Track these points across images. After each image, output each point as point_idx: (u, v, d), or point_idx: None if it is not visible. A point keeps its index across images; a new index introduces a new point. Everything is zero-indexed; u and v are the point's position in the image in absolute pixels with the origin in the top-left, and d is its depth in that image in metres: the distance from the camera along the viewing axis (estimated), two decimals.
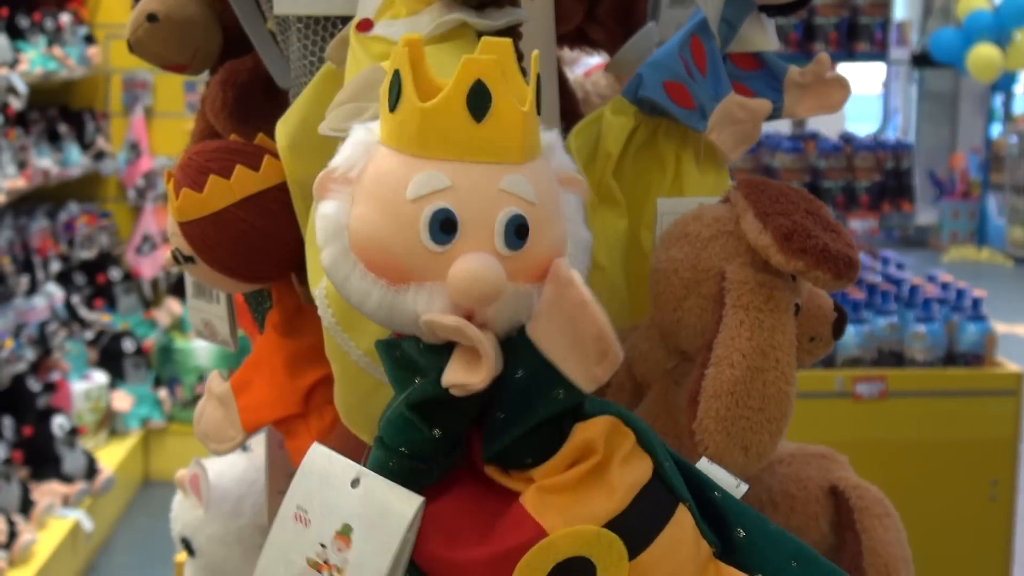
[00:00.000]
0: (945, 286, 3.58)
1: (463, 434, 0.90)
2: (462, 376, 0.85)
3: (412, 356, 0.89)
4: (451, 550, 0.89)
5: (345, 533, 0.88)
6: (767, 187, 1.08)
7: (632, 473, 0.91)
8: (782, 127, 4.70)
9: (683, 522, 0.92)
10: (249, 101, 1.29)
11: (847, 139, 4.56)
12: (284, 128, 1.13)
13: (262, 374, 1.19)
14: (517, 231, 0.86)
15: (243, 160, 1.14)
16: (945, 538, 3.18)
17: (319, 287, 1.01)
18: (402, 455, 0.89)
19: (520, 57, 1.12)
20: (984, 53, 7.88)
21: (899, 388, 3.33)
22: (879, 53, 4.53)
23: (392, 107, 0.86)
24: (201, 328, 1.37)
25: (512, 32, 1.11)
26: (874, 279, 3.54)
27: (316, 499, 0.90)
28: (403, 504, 0.88)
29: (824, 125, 5.19)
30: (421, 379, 0.88)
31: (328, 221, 0.87)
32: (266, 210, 1.13)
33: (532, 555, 0.86)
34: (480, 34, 1.06)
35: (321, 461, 0.91)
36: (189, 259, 1.15)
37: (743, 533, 0.96)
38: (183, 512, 1.39)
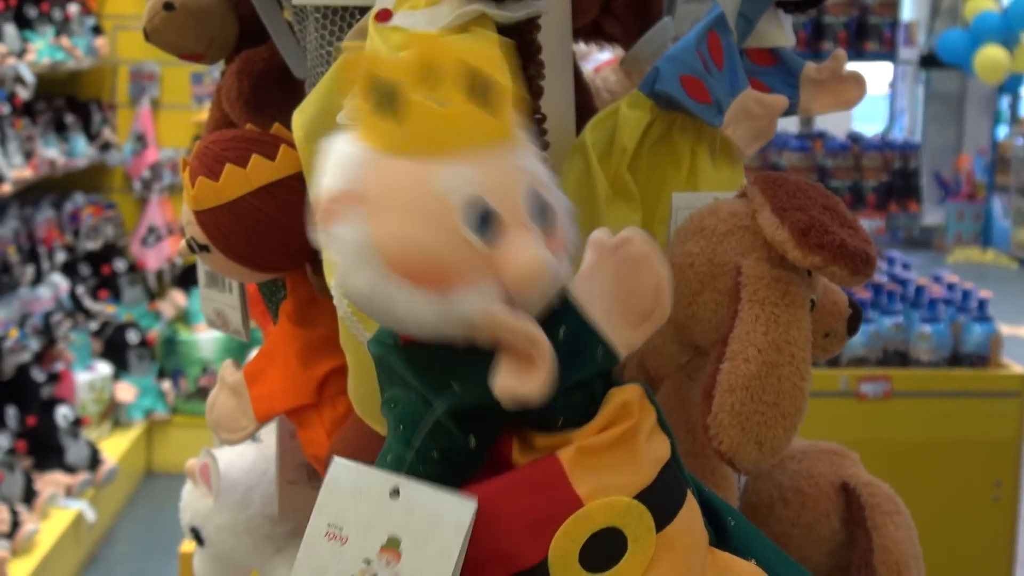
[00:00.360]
0: (951, 287, 3.58)
1: (494, 443, 0.90)
2: (516, 386, 0.84)
3: (444, 360, 0.87)
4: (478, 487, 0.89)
5: (393, 546, 0.86)
6: (784, 182, 1.08)
7: (657, 449, 0.92)
8: (790, 126, 4.70)
9: (693, 504, 0.95)
10: (265, 91, 1.29)
11: (855, 138, 4.56)
12: (301, 118, 1.12)
13: (275, 364, 1.19)
14: (539, 205, 0.86)
15: (259, 149, 1.14)
16: (949, 539, 3.18)
17: (335, 277, 1.01)
18: (432, 460, 0.88)
19: (538, 50, 1.13)
20: (991, 55, 7.87)
21: (904, 388, 3.33)
22: (888, 53, 4.53)
23: (389, 116, 0.85)
24: (213, 318, 1.37)
25: (530, 24, 1.11)
26: (880, 279, 3.54)
27: (351, 514, 0.87)
28: (457, 510, 0.86)
29: (831, 124, 5.18)
30: (460, 384, 0.87)
31: (353, 245, 0.84)
32: (282, 200, 1.13)
33: (570, 524, 0.87)
34: (499, 26, 1.07)
35: (348, 475, 0.88)
36: (204, 248, 1.15)
37: (733, 522, 0.99)
38: (192, 501, 1.38)
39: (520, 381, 0.84)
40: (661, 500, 0.91)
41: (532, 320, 0.85)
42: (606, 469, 0.89)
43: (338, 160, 0.87)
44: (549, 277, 0.84)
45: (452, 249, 0.83)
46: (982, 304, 3.42)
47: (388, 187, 0.84)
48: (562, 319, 0.89)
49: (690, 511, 0.93)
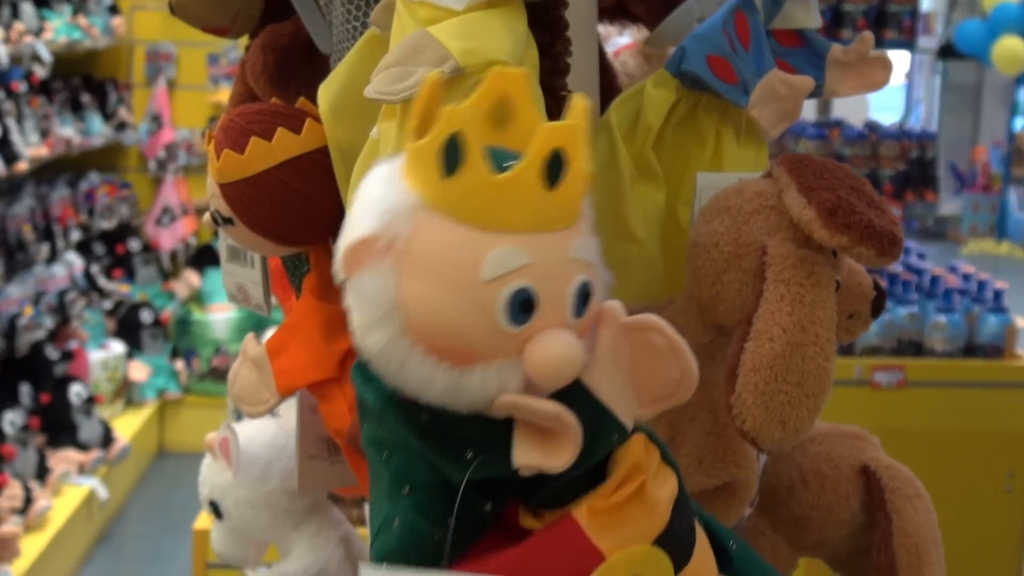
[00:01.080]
0: (967, 277, 3.57)
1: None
2: (539, 459, 0.81)
3: (452, 427, 0.83)
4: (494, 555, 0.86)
5: None
6: (811, 162, 1.08)
7: (665, 488, 0.90)
8: (807, 114, 4.69)
9: (703, 537, 0.93)
10: (290, 65, 1.29)
11: (872, 127, 4.54)
12: (326, 92, 1.12)
13: (298, 337, 1.19)
14: (585, 299, 0.82)
15: (285, 123, 1.13)
16: (960, 529, 3.17)
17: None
18: (448, 526, 0.84)
19: (565, 26, 1.12)
20: (1009, 46, 7.81)
21: (918, 378, 3.32)
22: (907, 42, 4.51)
23: (448, 171, 0.78)
24: (234, 292, 1.37)
25: (556, 2, 1.11)
26: (895, 268, 3.52)
27: None
28: None
29: (848, 113, 5.17)
30: (475, 453, 0.83)
31: (374, 301, 0.79)
32: (307, 173, 1.13)
33: None
34: (527, 2, 1.06)
35: None
36: (228, 221, 1.15)
37: (735, 546, 0.98)
38: (212, 475, 1.38)
39: (545, 456, 0.81)
40: (678, 540, 0.89)
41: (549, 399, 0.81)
42: (622, 521, 0.87)
43: (375, 200, 0.80)
44: (571, 372, 0.80)
45: (483, 334, 0.78)
46: (998, 295, 3.41)
47: (430, 249, 0.78)
48: (576, 404, 0.84)
49: (702, 542, 0.92)
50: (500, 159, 0.80)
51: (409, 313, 0.78)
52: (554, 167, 0.79)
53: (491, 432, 0.82)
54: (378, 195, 0.80)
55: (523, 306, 0.78)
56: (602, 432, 0.86)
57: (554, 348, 0.78)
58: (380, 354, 0.80)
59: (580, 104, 0.81)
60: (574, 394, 0.84)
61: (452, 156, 0.77)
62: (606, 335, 0.86)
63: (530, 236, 0.78)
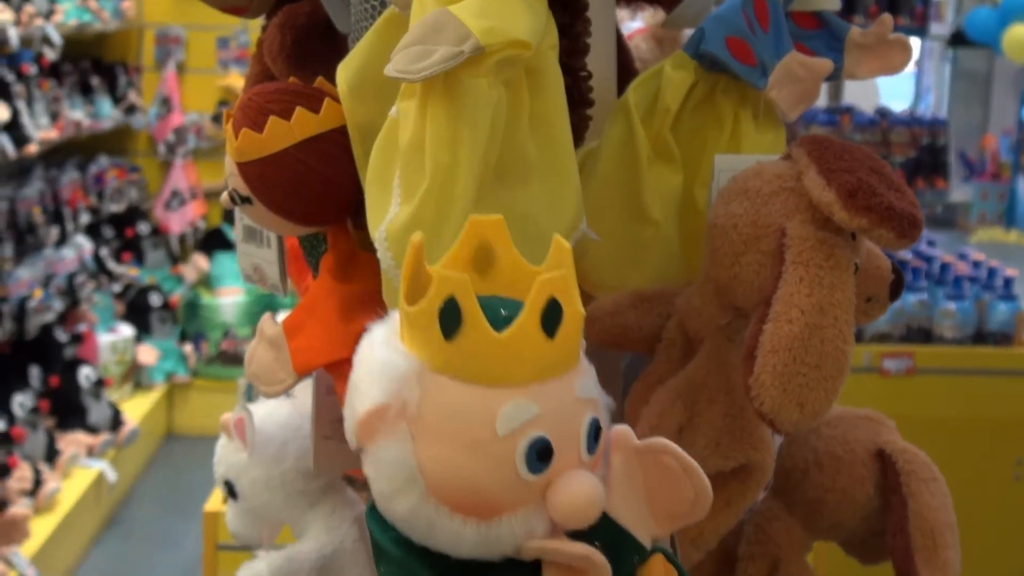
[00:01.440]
0: (976, 264, 3.57)
1: None
2: None
3: (481, 573, 0.84)
4: None
5: None
6: (831, 144, 1.07)
7: None
8: (818, 100, 4.68)
9: None
10: (307, 45, 1.29)
11: (883, 114, 4.53)
12: (345, 72, 1.12)
13: (315, 317, 1.19)
14: (596, 435, 0.84)
15: (303, 102, 1.13)
16: (968, 516, 3.15)
17: (379, 229, 1.01)
18: None
19: (585, 7, 1.12)
20: (1020, 34, 7.77)
21: (927, 365, 3.32)
22: (919, 28, 4.50)
23: (449, 335, 0.79)
24: (250, 272, 1.37)
25: None
26: (904, 255, 3.52)
27: None
28: None
29: (859, 99, 5.15)
30: None
31: (395, 468, 0.81)
32: (325, 153, 1.13)
33: None
34: None
35: None
36: (246, 200, 1.15)
37: None
38: (227, 455, 1.38)
39: None
40: None
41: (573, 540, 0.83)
42: None
43: (379, 367, 0.82)
44: (599, 511, 0.82)
45: (506, 487, 0.80)
46: (1007, 282, 3.41)
47: (442, 412, 0.80)
48: (596, 528, 0.85)
49: None
50: (495, 311, 0.82)
51: (430, 476, 0.80)
52: (551, 316, 0.80)
53: (521, 574, 0.84)
54: (381, 362, 0.82)
55: (540, 455, 0.80)
56: (623, 554, 0.88)
57: (578, 491, 0.81)
58: (407, 520, 0.82)
59: (563, 248, 0.83)
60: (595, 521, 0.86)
61: (451, 320, 0.79)
62: (619, 459, 0.88)
63: (537, 386, 0.81)
